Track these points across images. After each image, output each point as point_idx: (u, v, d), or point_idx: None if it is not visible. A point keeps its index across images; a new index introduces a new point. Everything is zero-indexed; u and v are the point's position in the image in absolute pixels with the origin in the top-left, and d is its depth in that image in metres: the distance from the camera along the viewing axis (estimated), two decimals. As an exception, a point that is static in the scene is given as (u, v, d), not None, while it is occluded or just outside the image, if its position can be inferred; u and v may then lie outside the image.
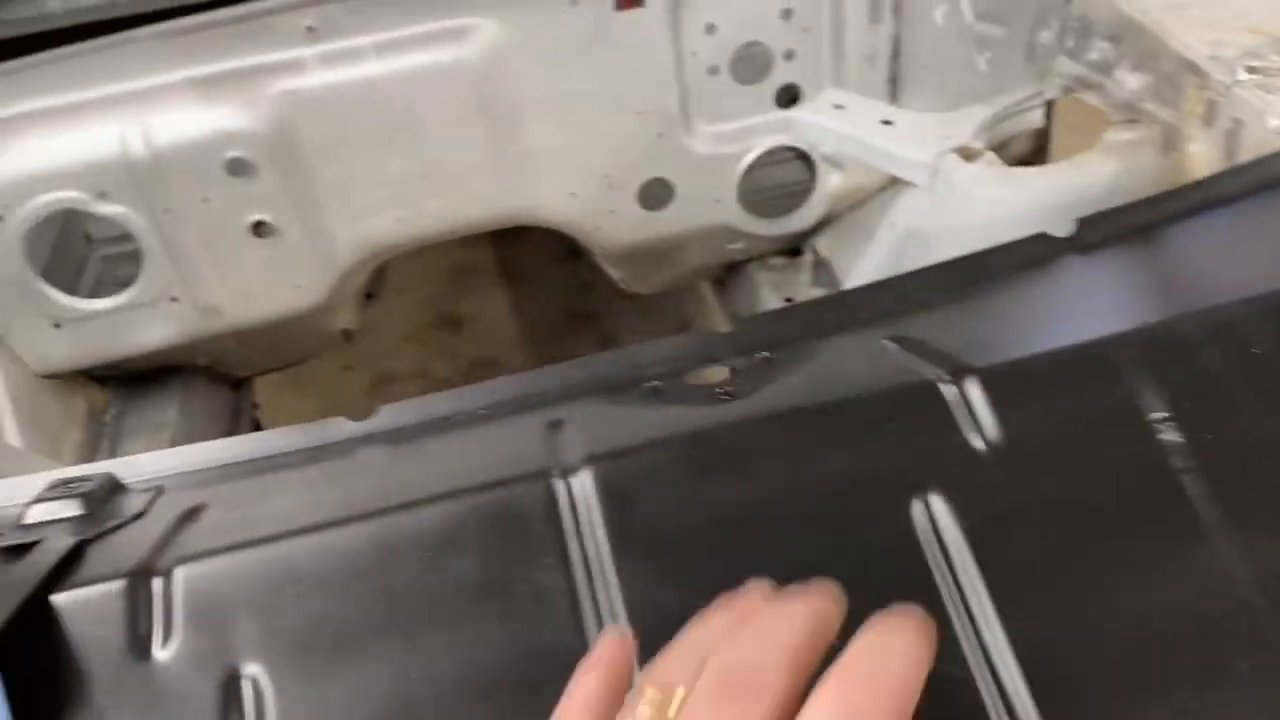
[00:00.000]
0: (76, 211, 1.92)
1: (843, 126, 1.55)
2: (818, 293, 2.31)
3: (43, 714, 0.73)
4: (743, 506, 0.81)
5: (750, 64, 2.13)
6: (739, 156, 2.18)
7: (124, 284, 2.08)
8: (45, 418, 2.01)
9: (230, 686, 0.75)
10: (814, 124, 1.60)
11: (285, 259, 2.03)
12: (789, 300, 2.33)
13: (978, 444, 0.83)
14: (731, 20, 2.05)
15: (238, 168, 1.91)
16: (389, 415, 1.03)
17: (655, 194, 2.20)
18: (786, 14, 2.07)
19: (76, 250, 2.19)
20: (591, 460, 0.84)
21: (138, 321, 2.03)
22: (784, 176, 2.33)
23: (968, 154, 1.43)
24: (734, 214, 2.24)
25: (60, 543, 0.85)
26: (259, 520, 0.89)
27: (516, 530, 0.81)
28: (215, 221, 1.95)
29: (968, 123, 1.49)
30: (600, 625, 0.77)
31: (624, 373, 1.04)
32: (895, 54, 2.14)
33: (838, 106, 1.61)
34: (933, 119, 1.53)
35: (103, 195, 1.88)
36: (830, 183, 2.25)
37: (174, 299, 2.02)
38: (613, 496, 0.82)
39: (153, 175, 1.87)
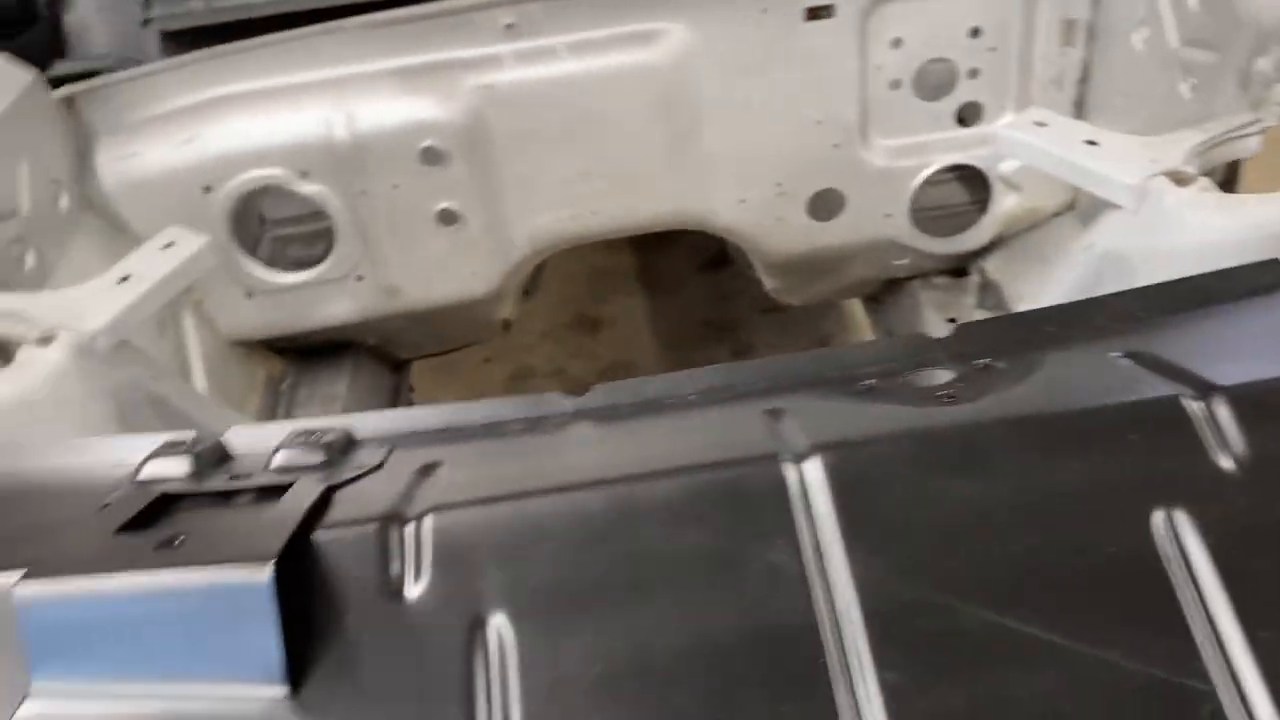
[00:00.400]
0: (274, 189, 2.04)
1: (1046, 144, 1.53)
2: (983, 315, 2.28)
3: (304, 638, 0.78)
4: (977, 506, 0.81)
5: (933, 80, 2.12)
6: (914, 172, 2.17)
7: (295, 263, 2.19)
8: (231, 381, 2.12)
9: (476, 630, 0.79)
10: (1017, 139, 1.59)
11: (465, 246, 2.11)
12: (952, 320, 2.30)
13: (1225, 463, 0.81)
14: (919, 35, 2.04)
15: (431, 156, 1.99)
16: (601, 394, 1.06)
17: (826, 204, 2.20)
18: (975, 32, 2.05)
19: (252, 229, 2.32)
20: (820, 449, 0.85)
21: (325, 296, 2.13)
22: (957, 195, 2.31)
23: (1179, 178, 1.39)
24: (904, 230, 2.23)
25: (313, 486, 0.90)
26: (492, 479, 0.93)
27: (748, 509, 0.83)
28: (405, 206, 2.04)
29: (1177, 147, 1.46)
30: (831, 607, 0.78)
31: (834, 370, 1.05)
32: (1084, 78, 2.10)
33: (1040, 124, 1.60)
34: (1139, 141, 1.50)
35: (304, 175, 1.99)
36: (1005, 204, 2.22)
37: (360, 277, 2.12)
38: (843, 485, 0.83)
39: (352, 159, 1.97)
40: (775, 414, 0.95)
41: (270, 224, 2.34)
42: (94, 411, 1.35)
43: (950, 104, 2.13)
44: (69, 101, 1.95)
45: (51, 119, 1.89)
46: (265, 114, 1.96)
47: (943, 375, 1.01)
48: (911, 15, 2.02)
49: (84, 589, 0.76)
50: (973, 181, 2.27)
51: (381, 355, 2.55)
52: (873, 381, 1.02)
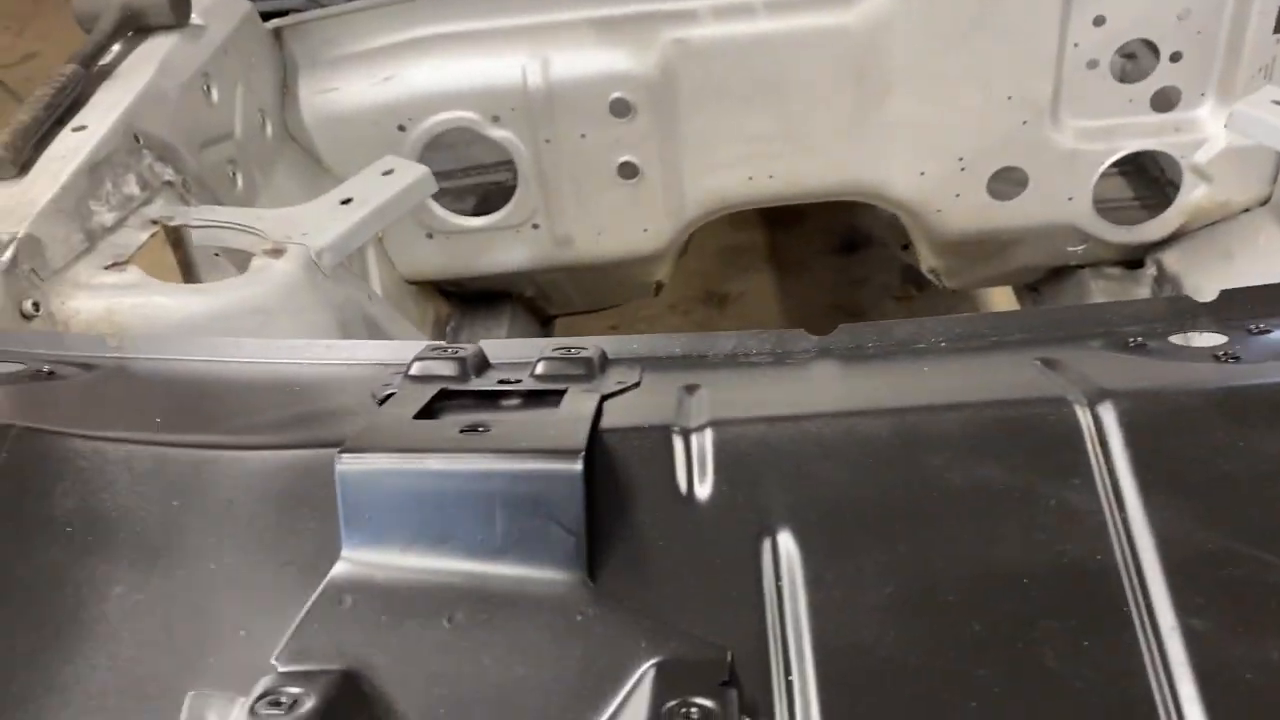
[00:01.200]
0: (464, 132, 2.08)
1: (1288, 123, 1.48)
2: (1159, 308, 2.21)
3: (598, 530, 0.79)
4: (1284, 462, 0.79)
5: (1133, 62, 2.06)
6: (1102, 156, 2.11)
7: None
8: (405, 316, 2.18)
9: (762, 540, 0.80)
10: (1257, 118, 1.53)
11: (641, 202, 2.12)
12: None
13: None
14: (1124, 14, 1.98)
15: (620, 108, 2.01)
16: (847, 334, 1.06)
17: (1007, 183, 2.16)
18: (1183, 15, 1.98)
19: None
20: (1113, 395, 0.84)
21: (500, 243, 2.17)
22: (1141, 183, 2.24)
23: None
24: (1084, 215, 2.17)
25: (587, 395, 0.92)
26: (758, 402, 0.94)
27: (1040, 447, 0.82)
28: (588, 157, 2.06)
29: None
30: (1130, 548, 0.77)
31: (1091, 326, 1.04)
32: (1295, 67, 2.02)
33: (1278, 102, 1.54)
34: (1385, 126, 1.44)
35: (496, 120, 2.02)
36: (1194, 195, 2.15)
37: (535, 226, 2.15)
38: (1138, 431, 0.82)
39: (544, 106, 2.00)
40: (1050, 363, 0.93)
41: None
42: (319, 322, 1.39)
43: (1147, 88, 2.07)
44: (276, 34, 2.01)
45: (262, 49, 1.95)
46: (463, 57, 2.00)
47: (1213, 338, 0.99)
48: (1119, -7, 1.97)
49: (402, 465, 0.78)
50: (1162, 170, 2.20)
51: (533, 308, 2.59)
52: (1138, 339, 1.00)
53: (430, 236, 2.16)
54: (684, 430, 0.86)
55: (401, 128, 2.03)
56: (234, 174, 1.79)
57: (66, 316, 1.30)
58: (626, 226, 2.16)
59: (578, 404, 0.89)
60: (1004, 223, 2.20)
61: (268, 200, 1.86)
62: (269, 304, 1.35)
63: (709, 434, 0.85)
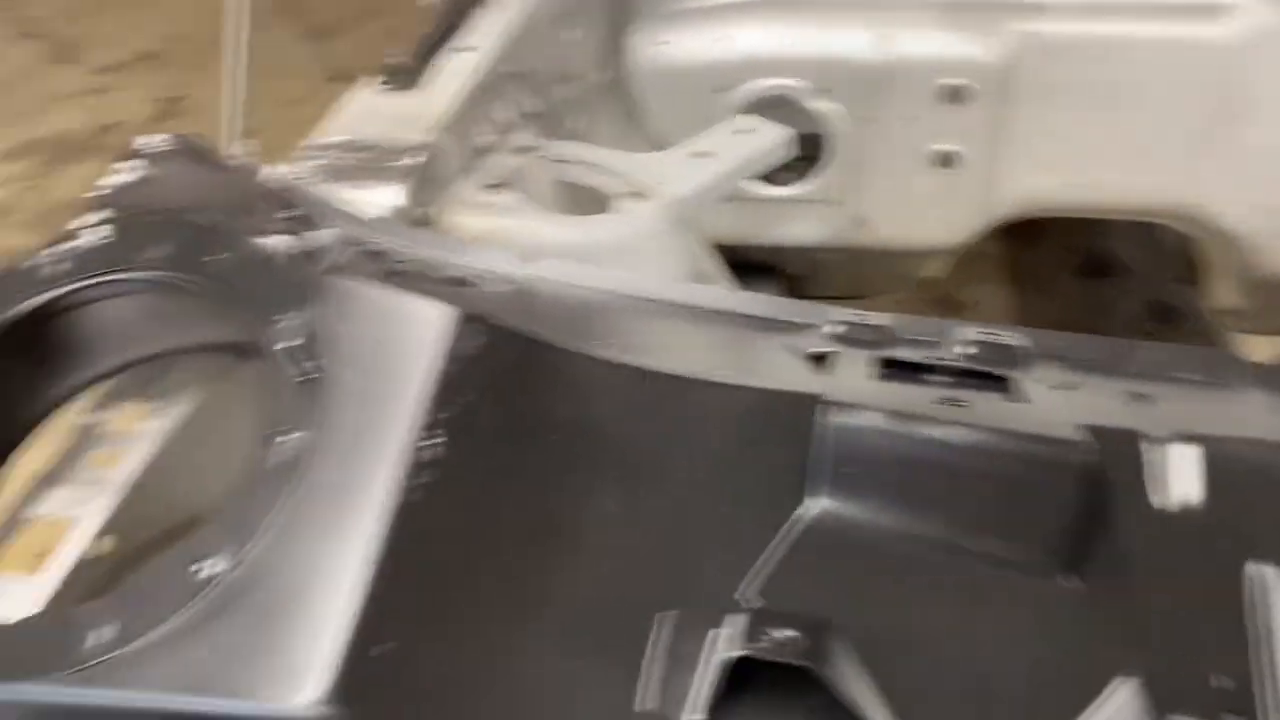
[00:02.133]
0: (782, 100, 2.05)
1: None
2: None
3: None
4: None
5: None
6: None
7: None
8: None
9: (1247, 566, 0.75)
10: None
11: (952, 193, 2.06)
12: None
13: None
14: None
15: (955, 95, 1.94)
16: (1286, 366, 0.99)
17: (1356, 228, 2.00)
18: None
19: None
20: None
21: (796, 214, 2.14)
22: None
23: None
24: None
25: (1038, 384, 0.89)
26: (1228, 421, 0.89)
27: None
28: (908, 140, 2.00)
29: None
30: None
31: None
32: None
33: None
34: None
35: (824, 91, 1.99)
36: None
37: (836, 203, 2.11)
38: None
39: (876, 84, 1.95)
40: None
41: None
42: (674, 270, 1.41)
43: None
44: (617, -19, 2.04)
45: (603, -7, 1.98)
46: (801, 25, 1.97)
47: None
48: None
49: (895, 427, 0.77)
50: None
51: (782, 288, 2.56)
52: None
53: (728, 200, 2.15)
54: (1156, 440, 0.81)
55: (724, 89, 2.02)
56: (569, 115, 1.82)
57: (451, 230, 1.34)
58: (930, 216, 2.10)
59: (1042, 395, 0.86)
60: (1341, 271, 2.04)
61: (592, 145, 1.89)
62: (635, 244, 1.37)
63: (1188, 449, 0.81)
